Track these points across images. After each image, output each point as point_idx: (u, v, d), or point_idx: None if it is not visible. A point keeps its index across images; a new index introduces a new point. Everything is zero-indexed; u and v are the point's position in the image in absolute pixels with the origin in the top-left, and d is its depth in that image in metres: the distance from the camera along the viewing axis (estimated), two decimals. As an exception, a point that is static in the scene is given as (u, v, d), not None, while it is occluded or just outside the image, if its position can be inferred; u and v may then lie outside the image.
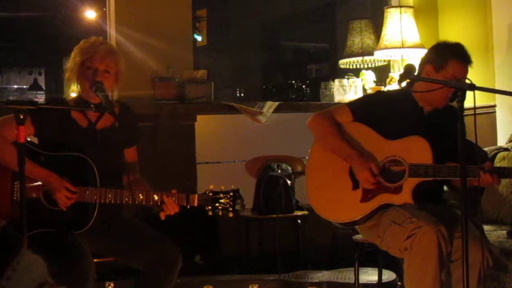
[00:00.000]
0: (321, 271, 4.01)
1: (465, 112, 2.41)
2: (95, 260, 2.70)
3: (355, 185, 2.91)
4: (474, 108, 2.40)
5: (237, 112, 4.48)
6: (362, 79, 4.92)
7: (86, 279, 2.56)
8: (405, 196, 2.81)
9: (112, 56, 2.86)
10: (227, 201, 2.75)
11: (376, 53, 4.92)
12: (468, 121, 2.51)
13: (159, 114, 4.27)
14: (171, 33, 4.46)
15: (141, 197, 2.74)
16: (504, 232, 3.31)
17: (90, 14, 9.07)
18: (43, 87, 13.40)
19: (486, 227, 3.37)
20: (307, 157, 3.13)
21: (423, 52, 3.74)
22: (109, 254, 2.94)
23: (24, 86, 13.51)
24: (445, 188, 3.12)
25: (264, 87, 11.82)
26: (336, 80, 4.89)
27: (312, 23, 11.19)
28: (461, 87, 2.41)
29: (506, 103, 4.31)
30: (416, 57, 4.60)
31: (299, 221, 4.24)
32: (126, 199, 2.73)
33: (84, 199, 2.72)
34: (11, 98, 11.28)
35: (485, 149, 3.80)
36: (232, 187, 2.79)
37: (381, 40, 4.84)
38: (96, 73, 2.80)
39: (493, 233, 3.36)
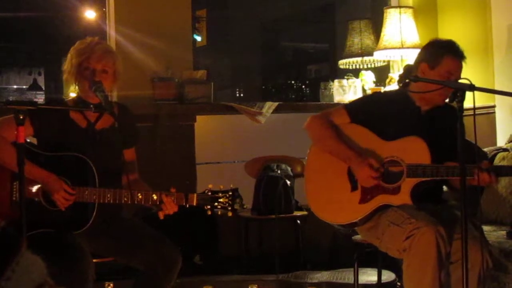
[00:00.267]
0: (320, 271, 4.01)
1: (465, 113, 2.42)
2: (94, 260, 2.70)
3: (354, 187, 2.91)
4: (474, 108, 2.40)
5: (236, 112, 4.48)
6: (361, 80, 4.92)
7: (85, 279, 2.56)
8: (403, 197, 2.81)
9: (109, 55, 2.86)
10: (226, 200, 2.74)
11: (375, 53, 4.92)
12: (468, 121, 2.51)
13: (158, 114, 4.27)
14: (171, 33, 4.46)
15: (140, 196, 2.74)
16: (504, 232, 3.31)
17: (89, 14, 9.08)
18: (43, 87, 13.41)
19: (485, 228, 3.37)
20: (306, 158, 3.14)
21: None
22: (108, 254, 2.94)
23: (24, 86, 13.52)
24: (445, 188, 3.12)
25: (263, 87, 11.83)
26: (336, 81, 4.89)
27: (312, 24, 11.21)
28: (461, 88, 2.41)
29: (506, 103, 4.31)
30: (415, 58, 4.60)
31: (298, 221, 4.24)
32: (125, 199, 2.73)
33: (83, 199, 2.72)
34: (10, 98, 11.29)
35: (485, 149, 3.80)
36: (231, 186, 2.79)
37: (380, 40, 4.84)
38: (94, 74, 2.79)
39: (493, 234, 3.35)
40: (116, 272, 3.42)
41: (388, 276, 3.75)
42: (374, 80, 4.96)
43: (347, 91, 4.82)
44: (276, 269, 3.93)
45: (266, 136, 4.69)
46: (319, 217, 2.99)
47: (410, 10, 4.83)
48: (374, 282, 3.67)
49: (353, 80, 4.87)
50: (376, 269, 3.63)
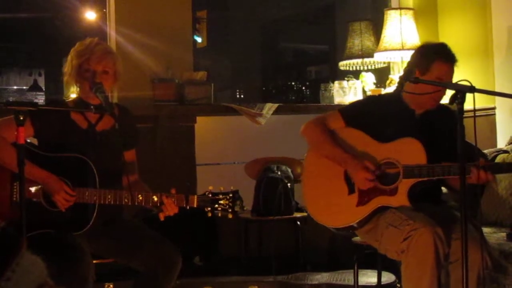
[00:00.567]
0: (320, 273, 4.00)
1: (465, 114, 2.41)
2: (94, 261, 2.70)
3: (351, 190, 2.92)
4: (474, 110, 2.40)
5: (236, 113, 4.48)
6: (362, 81, 4.92)
7: (85, 280, 2.56)
8: (401, 198, 2.82)
9: (109, 56, 2.86)
10: (227, 202, 2.75)
11: (376, 55, 4.92)
12: (468, 123, 2.51)
13: (158, 115, 4.27)
14: (171, 34, 4.46)
15: (141, 198, 2.74)
16: (504, 234, 3.31)
17: (90, 15, 9.07)
18: (43, 88, 13.40)
19: (485, 229, 3.37)
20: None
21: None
22: (108, 255, 2.94)
23: (24, 87, 13.51)
24: (444, 190, 3.13)
25: (263, 88, 11.82)
26: (336, 82, 4.89)
27: (312, 25, 11.20)
28: (461, 90, 2.41)
29: (506, 105, 4.31)
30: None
31: (298, 222, 4.24)
32: (126, 200, 2.73)
33: (83, 200, 2.72)
34: (11, 99, 11.27)
35: (485, 151, 3.80)
36: (232, 188, 2.79)
37: (381, 42, 4.85)
38: (95, 75, 2.79)
39: (493, 235, 3.35)
40: (116, 273, 3.42)
41: (388, 277, 3.75)
42: (375, 81, 4.96)
43: (347, 92, 4.82)
44: (273, 270, 3.93)
45: (266, 137, 4.69)
46: (317, 221, 3.00)
47: (411, 12, 4.83)
48: (374, 284, 3.67)
49: (353, 82, 4.87)
50: (376, 271, 3.63)
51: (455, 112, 2.96)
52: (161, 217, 2.74)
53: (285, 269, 4.00)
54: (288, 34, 11.85)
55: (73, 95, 2.98)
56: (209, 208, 2.74)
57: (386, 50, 4.77)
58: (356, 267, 3.29)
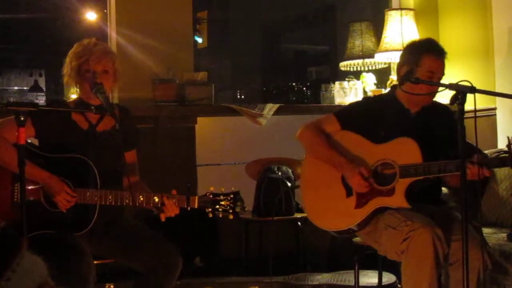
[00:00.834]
0: (321, 273, 4.00)
1: (466, 115, 2.42)
2: (95, 262, 2.70)
3: (349, 193, 2.93)
4: (475, 110, 2.40)
5: (237, 114, 4.48)
6: (362, 82, 4.92)
7: (86, 280, 2.56)
8: (398, 198, 2.82)
9: (108, 56, 2.86)
10: (228, 203, 2.75)
11: (376, 55, 4.92)
12: (468, 124, 2.51)
13: (159, 116, 4.26)
14: (172, 35, 4.46)
15: (142, 199, 2.74)
16: (504, 235, 3.31)
17: (90, 16, 9.08)
18: (44, 88, 13.41)
19: (486, 230, 3.37)
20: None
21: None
22: (109, 256, 2.94)
23: (25, 88, 13.51)
24: (445, 190, 3.13)
25: (264, 89, 11.82)
26: (337, 83, 4.88)
27: (313, 25, 11.20)
28: (462, 90, 2.41)
29: (507, 106, 4.31)
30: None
31: (299, 223, 4.24)
32: (127, 201, 2.73)
33: (84, 201, 2.72)
34: (11, 99, 11.27)
35: (485, 151, 3.80)
36: (233, 189, 2.79)
37: (381, 42, 4.85)
38: (95, 75, 2.79)
39: (493, 236, 3.35)
40: (117, 273, 3.42)
41: (388, 278, 3.74)
42: (375, 82, 4.95)
43: (348, 93, 4.81)
44: (270, 271, 3.92)
45: (267, 138, 4.68)
46: (317, 225, 3.02)
47: (411, 12, 4.83)
48: (375, 284, 3.67)
49: (354, 82, 4.87)
50: (377, 271, 3.63)
51: (450, 110, 2.98)
52: (163, 218, 2.74)
53: (286, 270, 4.00)
54: (288, 34, 11.86)
55: (74, 96, 2.98)
56: (210, 209, 2.74)
57: (386, 50, 4.77)
58: (356, 268, 3.29)
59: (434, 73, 2.87)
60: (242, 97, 11.21)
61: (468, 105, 2.43)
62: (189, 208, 2.74)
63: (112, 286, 3.47)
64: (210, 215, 2.76)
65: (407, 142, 2.85)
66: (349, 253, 3.39)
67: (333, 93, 4.88)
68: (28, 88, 13.46)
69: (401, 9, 4.92)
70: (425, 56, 2.89)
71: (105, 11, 4.78)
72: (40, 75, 13.55)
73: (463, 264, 2.34)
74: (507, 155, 2.68)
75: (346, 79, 4.91)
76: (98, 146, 2.85)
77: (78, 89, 2.90)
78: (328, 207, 2.99)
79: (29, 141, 2.78)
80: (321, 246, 4.55)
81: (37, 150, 2.79)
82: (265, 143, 4.69)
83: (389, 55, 4.85)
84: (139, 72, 4.27)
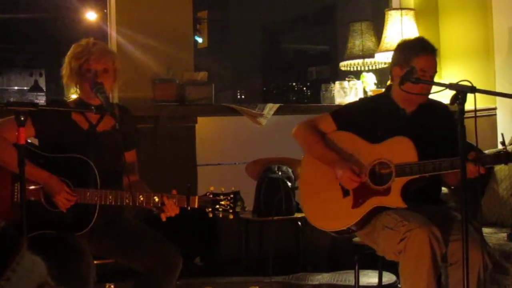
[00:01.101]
0: (321, 273, 4.01)
1: (466, 115, 2.41)
2: (95, 262, 2.70)
3: (346, 193, 2.94)
4: (475, 110, 2.41)
5: (237, 114, 4.48)
6: (362, 81, 4.92)
7: (86, 280, 2.56)
8: (394, 197, 2.83)
9: (107, 55, 2.86)
10: (228, 203, 2.75)
11: (377, 55, 4.92)
12: (469, 123, 2.51)
13: (159, 116, 4.26)
14: (172, 35, 4.46)
15: (142, 198, 2.74)
16: (504, 234, 3.31)
17: (91, 16, 9.09)
18: (44, 88, 13.42)
19: (486, 230, 3.37)
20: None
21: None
22: (109, 256, 2.94)
23: (25, 88, 13.53)
24: (445, 190, 3.13)
25: (264, 89, 11.84)
26: (337, 82, 4.88)
27: (313, 25, 11.21)
28: (462, 90, 2.41)
29: (507, 105, 4.31)
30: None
31: (299, 223, 4.24)
32: (127, 201, 2.73)
33: (84, 200, 2.72)
34: (11, 99, 11.28)
35: (485, 151, 3.80)
36: (233, 189, 2.79)
37: (382, 42, 4.85)
38: (96, 75, 2.79)
39: (493, 236, 3.35)
40: (117, 273, 3.42)
41: (389, 278, 3.74)
42: (375, 82, 4.95)
43: (348, 93, 4.81)
44: (270, 271, 3.92)
45: (267, 137, 4.68)
46: (316, 226, 3.02)
47: (412, 12, 4.83)
48: (375, 284, 3.67)
49: (354, 82, 4.87)
50: (377, 271, 3.63)
51: (449, 109, 2.98)
52: (163, 217, 2.74)
53: (286, 270, 4.00)
54: (288, 34, 11.87)
55: (74, 96, 2.98)
56: (210, 209, 2.74)
57: (387, 50, 4.76)
58: (356, 268, 3.29)
59: (426, 71, 2.87)
60: (242, 97, 11.22)
61: (468, 105, 2.43)
62: (189, 208, 2.73)
63: (112, 286, 3.47)
64: (210, 215, 2.76)
65: (403, 141, 2.86)
66: (349, 253, 3.39)
67: (333, 93, 4.88)
68: (28, 88, 13.47)
69: (401, 9, 4.92)
70: (415, 56, 2.89)
71: (105, 11, 4.78)
72: (40, 75, 13.57)
73: (463, 264, 2.34)
74: (502, 151, 2.69)
75: (346, 79, 4.91)
76: (98, 146, 2.85)
77: (78, 89, 2.90)
78: (325, 208, 2.99)
79: (29, 141, 2.78)
80: (321, 246, 4.55)
81: (37, 150, 2.79)
82: (265, 143, 4.69)
83: (389, 55, 4.83)
84: (139, 72, 4.27)
